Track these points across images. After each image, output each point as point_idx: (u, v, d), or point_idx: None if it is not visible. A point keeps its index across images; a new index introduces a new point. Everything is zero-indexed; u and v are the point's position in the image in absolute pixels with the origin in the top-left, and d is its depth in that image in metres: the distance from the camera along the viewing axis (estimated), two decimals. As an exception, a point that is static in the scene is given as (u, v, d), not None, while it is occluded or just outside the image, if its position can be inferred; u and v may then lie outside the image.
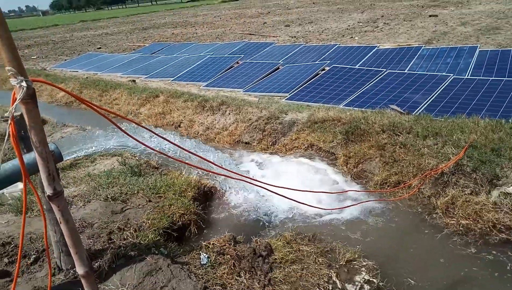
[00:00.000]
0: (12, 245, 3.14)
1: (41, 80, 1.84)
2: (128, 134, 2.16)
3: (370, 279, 3.08)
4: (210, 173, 4.57)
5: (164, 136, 3.07)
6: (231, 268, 3.20)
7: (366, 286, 3.02)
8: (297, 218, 4.07)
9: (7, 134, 1.70)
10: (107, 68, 13.04)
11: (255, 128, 6.08)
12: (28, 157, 2.53)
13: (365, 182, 4.63)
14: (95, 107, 1.89)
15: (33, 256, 3.05)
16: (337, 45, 11.06)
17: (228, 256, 3.27)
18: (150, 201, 4.16)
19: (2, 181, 2.44)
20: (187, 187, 4.39)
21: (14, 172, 2.48)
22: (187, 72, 10.53)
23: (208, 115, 6.88)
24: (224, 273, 3.17)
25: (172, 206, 4.01)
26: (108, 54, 15.62)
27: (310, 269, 3.26)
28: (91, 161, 5.31)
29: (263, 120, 6.12)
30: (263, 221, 4.07)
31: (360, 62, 9.30)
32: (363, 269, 3.21)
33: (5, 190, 4.38)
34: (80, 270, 1.69)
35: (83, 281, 1.72)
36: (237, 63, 10.50)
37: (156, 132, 2.53)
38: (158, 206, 4.04)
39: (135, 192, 4.27)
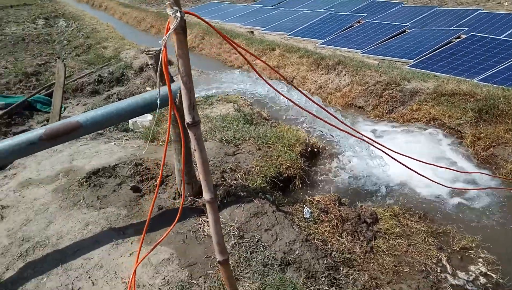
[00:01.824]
0: (143, 167, 3.56)
1: (191, 13, 1.93)
2: (267, 82, 2.19)
3: (488, 272, 2.79)
4: (319, 133, 4.52)
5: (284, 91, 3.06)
6: (333, 228, 3.19)
7: (482, 279, 2.75)
8: (408, 193, 3.83)
9: (160, 60, 1.84)
10: (228, 17, 13.45)
11: (371, 92, 5.75)
12: (163, 89, 2.76)
13: (494, 169, 4.10)
14: (235, 45, 1.93)
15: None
16: (480, 11, 9.59)
17: (332, 215, 3.25)
18: (259, 149, 4.30)
19: (145, 107, 2.73)
20: (295, 142, 4.41)
21: (153, 101, 2.74)
22: (304, 28, 10.29)
23: (322, 74, 6.69)
24: (325, 231, 3.18)
25: (280, 157, 4.08)
26: (229, 4, 16.06)
27: (418, 247, 3.07)
28: (209, 104, 5.66)
29: (382, 85, 5.73)
30: (370, 189, 3.92)
31: (507, 33, 7.96)
32: (480, 260, 2.92)
33: (137, 119, 4.94)
34: (206, 196, 1.82)
35: (207, 206, 1.86)
36: (358, 22, 9.88)
37: (294, 86, 2.52)
38: (266, 155, 4.16)
39: (247, 139, 4.44)
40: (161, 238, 2.43)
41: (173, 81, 2.95)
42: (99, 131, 4.91)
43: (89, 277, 2.57)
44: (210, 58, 9.32)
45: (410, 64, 6.90)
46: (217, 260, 1.95)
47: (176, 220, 2.39)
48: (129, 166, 3.58)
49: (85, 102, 7.16)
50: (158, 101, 2.49)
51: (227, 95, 5.45)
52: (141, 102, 2.67)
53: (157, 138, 4.43)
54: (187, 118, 1.67)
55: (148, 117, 4.96)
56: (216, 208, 1.88)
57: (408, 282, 2.77)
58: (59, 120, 5.29)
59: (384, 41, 8.32)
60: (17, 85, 7.95)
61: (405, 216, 3.42)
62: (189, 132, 1.70)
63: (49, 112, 6.84)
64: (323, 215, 3.29)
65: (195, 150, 1.72)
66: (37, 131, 2.49)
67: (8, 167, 4.04)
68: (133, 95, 6.85)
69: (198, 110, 5.40)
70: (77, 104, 7.12)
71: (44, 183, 3.62)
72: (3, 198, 3.45)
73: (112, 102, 6.57)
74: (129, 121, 5.07)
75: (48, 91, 7.24)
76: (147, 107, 2.74)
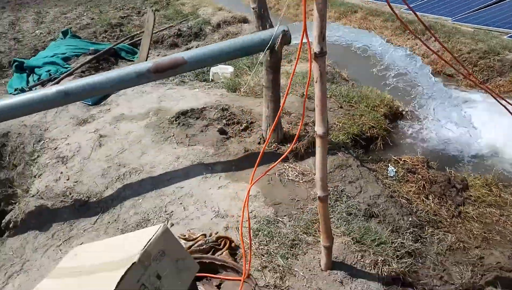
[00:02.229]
0: (229, 112, 3.65)
1: None
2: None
3: None
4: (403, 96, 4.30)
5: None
6: (420, 189, 3.07)
7: None
8: (501, 163, 3.56)
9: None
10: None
11: (464, 60, 5.31)
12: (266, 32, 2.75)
13: None
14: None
15: (244, 124, 3.49)
16: None
17: (419, 176, 3.13)
18: (341, 107, 4.20)
19: (244, 49, 2.74)
20: (380, 103, 4.24)
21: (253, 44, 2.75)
22: (388, -7, 9.64)
23: (408, 39, 6.29)
24: (410, 191, 3.08)
25: (363, 116, 3.96)
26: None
27: (511, 218, 2.88)
28: (288, 61, 5.59)
29: (477, 54, 5.27)
30: (458, 156, 3.69)
31: None
32: None
33: (219, 70, 5.04)
34: (319, 130, 1.80)
35: (318, 140, 1.85)
36: (450, -12, 9.03)
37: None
38: (348, 113, 4.06)
39: (328, 96, 4.34)
40: (265, 171, 2.49)
41: (272, 26, 2.92)
42: (182, 79, 5.09)
43: (181, 203, 2.73)
44: (286, 18, 9.14)
45: (510, 34, 6.23)
46: (317, 195, 1.96)
47: (275, 162, 2.43)
48: (216, 110, 3.68)
49: (165, 53, 7.41)
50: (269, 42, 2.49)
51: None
52: (242, 44, 2.69)
53: (238, 88, 4.49)
54: (316, 48, 1.63)
55: (229, 69, 5.03)
56: (326, 143, 1.87)
57: (500, 249, 2.62)
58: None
59: (480, 8, 7.56)
60: (102, 35, 8.44)
61: (498, 187, 3.19)
62: (314, 63, 1.66)
63: (132, 60, 7.20)
64: (409, 175, 3.17)
65: (316, 82, 1.69)
66: (146, 64, 2.62)
67: (102, 103, 4.35)
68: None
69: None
70: (158, 55, 7.39)
71: (136, 119, 3.86)
72: (101, 128, 3.74)
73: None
74: (210, 72, 5.18)
75: (131, 41, 7.60)
76: (247, 50, 2.75)
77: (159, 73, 2.60)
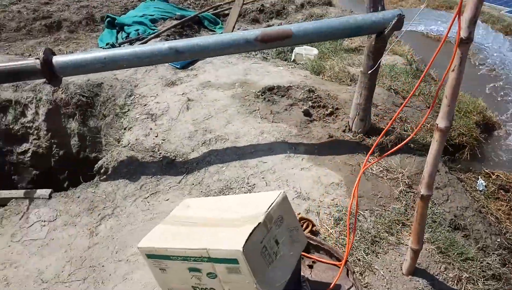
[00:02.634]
0: (315, 94, 3.60)
1: None
2: None
3: None
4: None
5: None
6: (511, 209, 2.87)
7: None
8: None
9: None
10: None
11: None
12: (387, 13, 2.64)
13: None
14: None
15: (330, 109, 3.44)
16: None
17: (514, 195, 2.92)
18: (429, 107, 3.99)
19: (355, 29, 2.66)
20: (472, 109, 3.98)
21: (364, 24, 2.65)
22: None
23: None
24: (500, 209, 2.89)
25: (453, 121, 3.74)
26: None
27: None
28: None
29: None
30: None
31: None
32: None
33: (303, 51, 4.97)
34: (442, 123, 1.73)
35: (438, 134, 1.77)
36: None
37: None
38: (437, 115, 3.85)
39: (416, 94, 4.15)
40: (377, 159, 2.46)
41: (384, 8, 2.81)
42: (265, 56, 5.10)
43: (263, 178, 2.78)
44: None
45: None
46: (420, 193, 1.89)
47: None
48: (302, 91, 3.66)
49: (245, 28, 7.45)
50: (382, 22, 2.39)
51: (398, 42, 5.10)
52: (352, 23, 2.61)
53: (323, 72, 4.41)
54: (464, 33, 1.51)
55: (314, 51, 4.95)
56: (444, 139, 1.78)
57: None
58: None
59: None
60: (187, 1, 8.63)
61: None
62: (457, 50, 1.55)
63: (214, 31, 7.32)
64: (501, 192, 2.97)
65: (453, 70, 1.60)
66: (254, 32, 2.64)
67: (190, 68, 4.48)
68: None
69: (361, 56, 5.19)
70: (239, 28, 7.45)
71: (222, 88, 3.94)
72: (188, 92, 3.87)
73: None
74: (293, 52, 5.13)
75: (215, 11, 7.71)
76: (355, 31, 2.67)
77: (265, 43, 2.61)
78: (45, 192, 2.78)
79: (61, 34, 6.95)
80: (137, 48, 2.66)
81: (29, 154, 4.33)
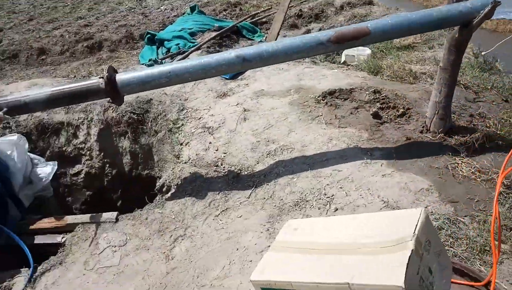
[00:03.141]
0: (382, 95, 3.34)
1: None
2: None
3: None
4: None
5: None
6: None
7: None
8: None
9: None
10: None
11: None
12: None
13: None
14: None
15: (401, 110, 3.17)
16: None
17: None
18: (506, 101, 3.63)
19: (438, 21, 2.40)
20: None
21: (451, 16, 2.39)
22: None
23: None
24: None
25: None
26: None
27: None
28: (429, 47, 5.06)
29: None
30: None
31: None
32: None
33: (356, 52, 4.72)
34: None
35: None
36: None
37: None
38: (516, 109, 3.49)
39: (488, 88, 3.80)
40: None
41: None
42: (314, 60, 4.89)
43: (341, 187, 2.54)
44: (414, 3, 8.40)
45: None
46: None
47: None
48: (367, 92, 3.41)
49: (284, 34, 7.28)
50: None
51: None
52: (435, 16, 2.36)
53: (380, 72, 4.14)
54: None
55: (367, 51, 4.69)
56: None
57: None
58: (273, 44, 5.44)
59: None
60: (222, 13, 8.59)
61: None
62: None
63: (252, 39, 7.19)
64: None
65: None
66: (327, 32, 2.44)
67: (239, 78, 4.34)
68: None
69: (416, 53, 4.88)
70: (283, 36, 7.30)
71: (277, 95, 3.75)
72: (243, 102, 3.71)
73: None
74: (343, 53, 4.89)
75: (252, 20, 7.61)
76: (439, 23, 2.41)
77: (339, 43, 2.40)
78: (111, 215, 2.67)
79: (102, 54, 7.05)
80: (202, 59, 2.52)
81: (82, 175, 4.30)
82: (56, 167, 3.12)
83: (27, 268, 2.41)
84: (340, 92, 3.48)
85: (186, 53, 6.11)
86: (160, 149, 4.06)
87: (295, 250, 1.27)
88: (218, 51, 6.52)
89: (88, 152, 4.20)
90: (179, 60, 6.02)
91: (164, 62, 6.03)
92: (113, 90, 2.49)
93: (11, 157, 2.78)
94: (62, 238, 2.61)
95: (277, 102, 3.62)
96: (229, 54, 2.53)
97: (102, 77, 2.46)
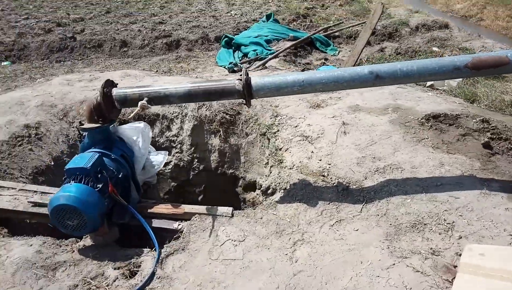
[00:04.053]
0: (491, 125, 3.31)
1: None
2: None
3: None
4: None
5: None
6: None
7: None
8: None
9: None
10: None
11: None
12: None
13: None
14: None
15: None
16: None
17: None
18: None
19: None
20: None
21: None
22: None
23: None
24: None
25: None
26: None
27: None
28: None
29: None
30: None
31: None
32: None
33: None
34: None
35: None
36: None
37: None
38: None
39: None
40: None
41: None
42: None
43: (460, 215, 2.54)
44: (491, 31, 8.23)
45: None
46: None
47: None
48: (474, 120, 3.39)
49: (357, 50, 7.32)
50: None
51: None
52: None
53: (476, 100, 4.10)
54: None
55: (458, 77, 4.64)
56: None
57: None
58: (357, 60, 5.50)
59: None
60: (292, 23, 8.73)
61: None
62: None
63: (325, 52, 7.27)
64: None
65: None
66: (464, 57, 2.46)
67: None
68: (411, 52, 6.55)
69: (509, 84, 4.78)
70: (349, 51, 7.35)
71: (374, 112, 3.79)
72: (339, 116, 3.76)
73: (384, 55, 6.50)
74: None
75: (325, 33, 7.69)
76: None
77: (476, 70, 2.42)
78: (227, 210, 2.78)
79: (180, 52, 7.32)
80: (336, 72, 2.60)
81: (170, 166, 4.48)
82: (167, 157, 3.28)
83: (149, 249, 2.55)
84: (445, 117, 3.47)
85: (265, 60, 6.26)
86: (249, 151, 4.18)
87: (489, 276, 1.31)
88: (294, 61, 6.64)
89: (179, 145, 4.37)
90: (258, 66, 6.18)
91: (242, 66, 6.20)
92: (247, 93, 2.61)
93: (136, 143, 2.95)
94: (179, 225, 2.74)
95: (375, 119, 3.65)
96: (362, 69, 2.59)
97: (240, 79, 2.59)
